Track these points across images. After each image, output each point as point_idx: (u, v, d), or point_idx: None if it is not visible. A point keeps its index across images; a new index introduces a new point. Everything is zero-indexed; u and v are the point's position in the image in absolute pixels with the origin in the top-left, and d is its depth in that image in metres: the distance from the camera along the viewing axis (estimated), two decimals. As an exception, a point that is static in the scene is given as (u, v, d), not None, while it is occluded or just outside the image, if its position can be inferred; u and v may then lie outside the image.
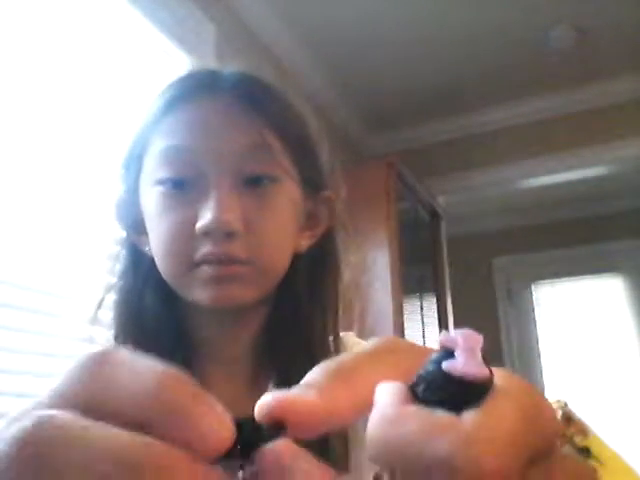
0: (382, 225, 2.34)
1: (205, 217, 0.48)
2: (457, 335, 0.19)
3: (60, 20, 1.37)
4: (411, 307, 2.50)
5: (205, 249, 0.49)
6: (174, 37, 1.74)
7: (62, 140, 1.31)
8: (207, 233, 0.48)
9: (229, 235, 0.48)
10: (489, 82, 2.73)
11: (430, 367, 0.19)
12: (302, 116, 0.57)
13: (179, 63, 1.79)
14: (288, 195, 0.53)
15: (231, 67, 0.56)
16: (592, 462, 0.37)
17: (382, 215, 2.36)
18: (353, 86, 2.71)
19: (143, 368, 0.18)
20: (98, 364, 0.19)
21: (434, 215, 2.94)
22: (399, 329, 2.24)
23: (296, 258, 0.56)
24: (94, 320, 0.57)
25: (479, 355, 0.19)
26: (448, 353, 0.19)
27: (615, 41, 2.44)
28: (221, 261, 0.49)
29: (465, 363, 0.18)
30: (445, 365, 0.18)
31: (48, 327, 1.19)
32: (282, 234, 0.53)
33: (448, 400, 0.18)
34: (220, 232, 0.48)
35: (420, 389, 0.19)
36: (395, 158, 2.51)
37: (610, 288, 3.89)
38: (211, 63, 1.92)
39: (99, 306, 0.57)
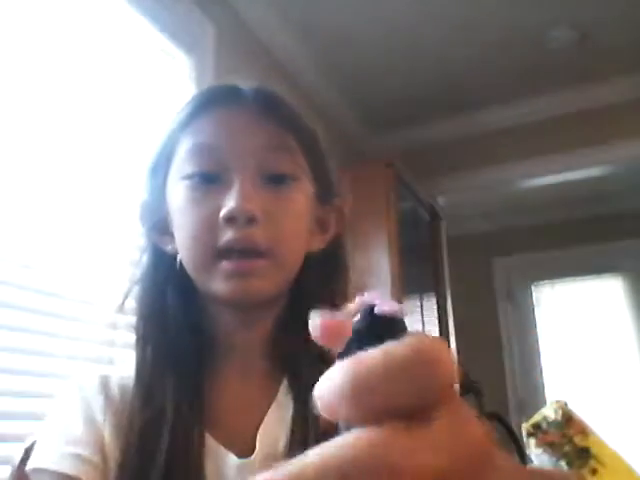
0: (382, 225, 2.34)
1: (228, 205, 0.53)
2: (368, 295, 0.24)
3: (60, 20, 1.37)
4: (411, 307, 2.50)
5: (228, 236, 0.53)
6: (174, 37, 1.74)
7: (63, 140, 1.31)
8: (230, 219, 0.53)
9: (250, 221, 0.53)
10: (489, 82, 2.73)
11: (355, 323, 0.23)
12: (313, 127, 0.62)
13: (179, 63, 1.79)
14: (304, 192, 0.58)
15: (249, 82, 0.61)
16: (592, 462, 0.37)
17: (382, 215, 2.36)
18: (353, 86, 2.71)
19: None
20: None
21: (434, 215, 2.94)
22: (399, 329, 2.24)
23: (307, 261, 0.59)
24: (114, 324, 0.60)
25: (392, 303, 0.23)
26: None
27: (615, 41, 2.44)
28: (243, 252, 0.53)
29: (379, 305, 0.23)
30: (363, 309, 0.23)
31: (48, 327, 1.20)
32: (298, 228, 0.57)
33: (374, 337, 0.20)
34: (242, 218, 0.52)
35: (352, 342, 0.22)
36: (395, 158, 2.51)
37: (610, 288, 3.89)
38: (211, 63, 1.91)
39: (120, 310, 0.60)
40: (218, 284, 0.54)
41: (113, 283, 1.28)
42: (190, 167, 0.55)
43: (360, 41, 2.42)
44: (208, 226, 0.54)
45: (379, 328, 0.22)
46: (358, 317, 0.23)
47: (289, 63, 2.41)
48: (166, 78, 1.72)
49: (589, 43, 2.45)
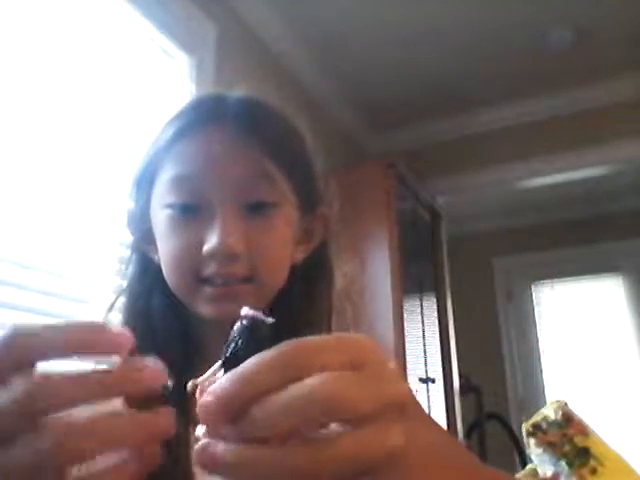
0: (382, 225, 2.35)
1: (211, 241, 0.53)
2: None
3: (60, 21, 1.37)
4: (411, 307, 2.50)
5: (210, 269, 0.54)
6: (174, 37, 1.74)
7: (61, 140, 1.31)
8: (212, 255, 0.53)
9: (232, 257, 0.53)
10: (489, 82, 2.73)
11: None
12: (301, 138, 0.61)
13: (179, 63, 1.79)
14: (286, 218, 0.58)
15: (236, 93, 0.60)
16: (592, 462, 0.37)
17: (382, 215, 2.36)
18: (354, 86, 2.72)
19: None
20: None
21: (434, 215, 2.94)
22: (399, 329, 2.24)
23: (292, 269, 0.60)
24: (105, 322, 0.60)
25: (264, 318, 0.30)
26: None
27: (615, 41, 2.44)
28: (225, 282, 0.54)
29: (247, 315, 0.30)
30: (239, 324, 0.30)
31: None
32: (281, 253, 0.58)
33: (244, 342, 0.29)
34: (224, 255, 0.53)
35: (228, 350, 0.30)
36: (395, 158, 2.51)
37: (610, 288, 3.89)
38: (211, 63, 1.91)
39: (110, 308, 0.61)
40: (202, 307, 0.55)
41: (93, 279, 1.28)
42: (172, 197, 0.56)
43: (361, 41, 2.42)
44: (190, 257, 0.54)
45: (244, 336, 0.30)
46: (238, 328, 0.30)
47: (290, 63, 2.41)
48: (166, 78, 1.72)
49: (588, 43, 2.45)
